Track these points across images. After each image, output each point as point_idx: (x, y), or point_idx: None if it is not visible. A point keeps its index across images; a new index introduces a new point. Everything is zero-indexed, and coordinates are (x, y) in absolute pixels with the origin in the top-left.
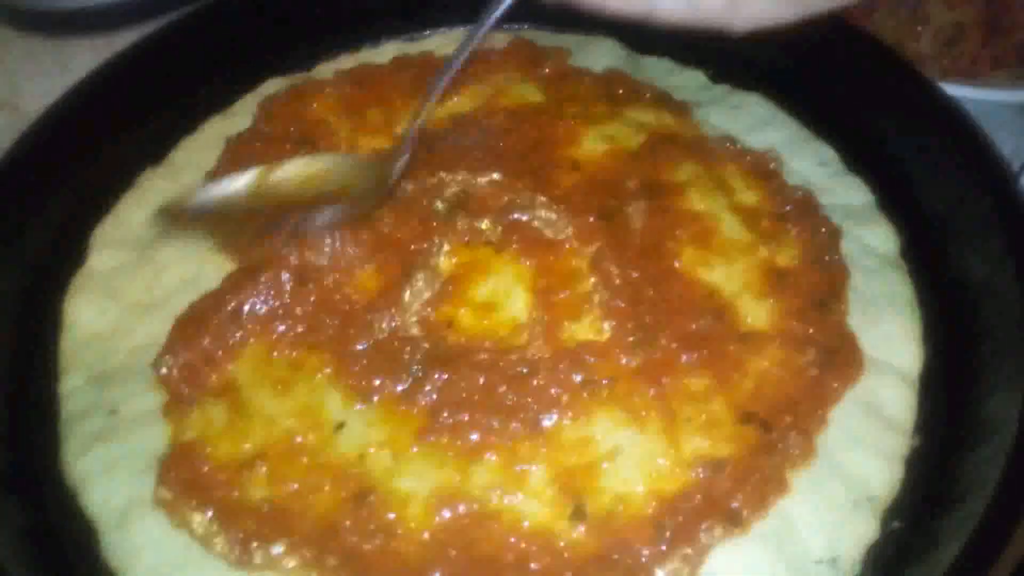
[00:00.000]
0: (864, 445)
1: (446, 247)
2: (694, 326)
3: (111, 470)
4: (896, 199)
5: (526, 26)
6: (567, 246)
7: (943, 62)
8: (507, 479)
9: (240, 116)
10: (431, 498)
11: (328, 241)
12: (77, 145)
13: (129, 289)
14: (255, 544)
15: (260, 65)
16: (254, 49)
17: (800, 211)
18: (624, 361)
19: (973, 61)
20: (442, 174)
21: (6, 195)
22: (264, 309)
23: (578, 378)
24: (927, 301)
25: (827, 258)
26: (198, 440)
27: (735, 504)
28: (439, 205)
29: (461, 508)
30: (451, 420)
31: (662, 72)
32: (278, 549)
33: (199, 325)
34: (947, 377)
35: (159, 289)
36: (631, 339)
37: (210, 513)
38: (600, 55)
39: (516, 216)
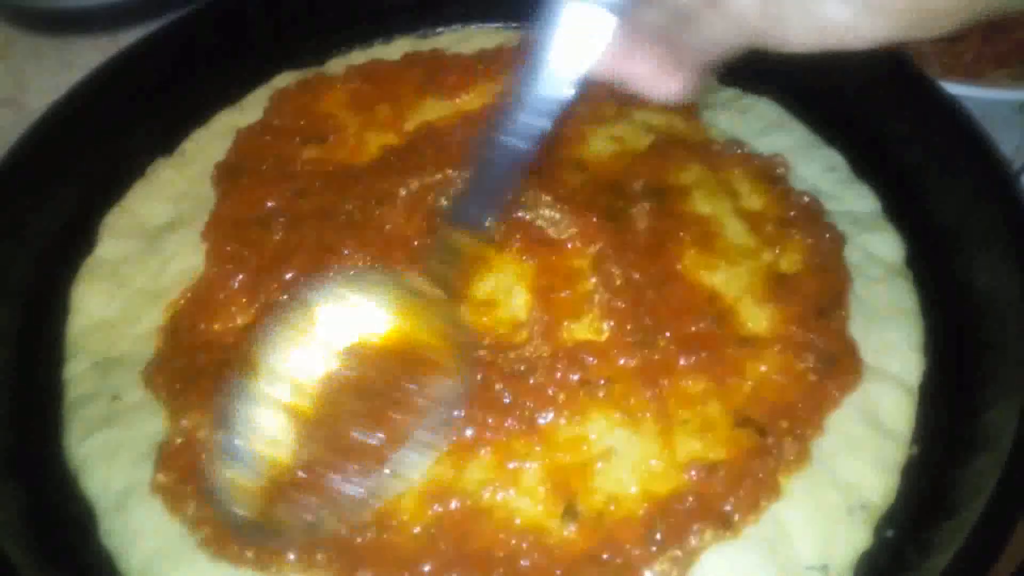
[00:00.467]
0: (860, 452)
1: None
2: (694, 329)
3: (112, 455)
4: (903, 206)
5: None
6: (569, 246)
7: (944, 60)
8: (500, 476)
9: (251, 109)
10: (424, 492)
11: None
12: (88, 136)
13: (136, 277)
14: None
15: (272, 59)
16: (267, 43)
17: (805, 217)
18: (622, 362)
19: (974, 60)
20: (448, 171)
21: (16, 184)
22: None
23: (575, 378)
24: (930, 309)
25: (830, 265)
26: (196, 427)
27: (727, 507)
28: (443, 202)
29: (453, 503)
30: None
31: None
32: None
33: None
34: (948, 387)
35: (165, 278)
36: (630, 340)
37: None
38: None
39: (519, 215)
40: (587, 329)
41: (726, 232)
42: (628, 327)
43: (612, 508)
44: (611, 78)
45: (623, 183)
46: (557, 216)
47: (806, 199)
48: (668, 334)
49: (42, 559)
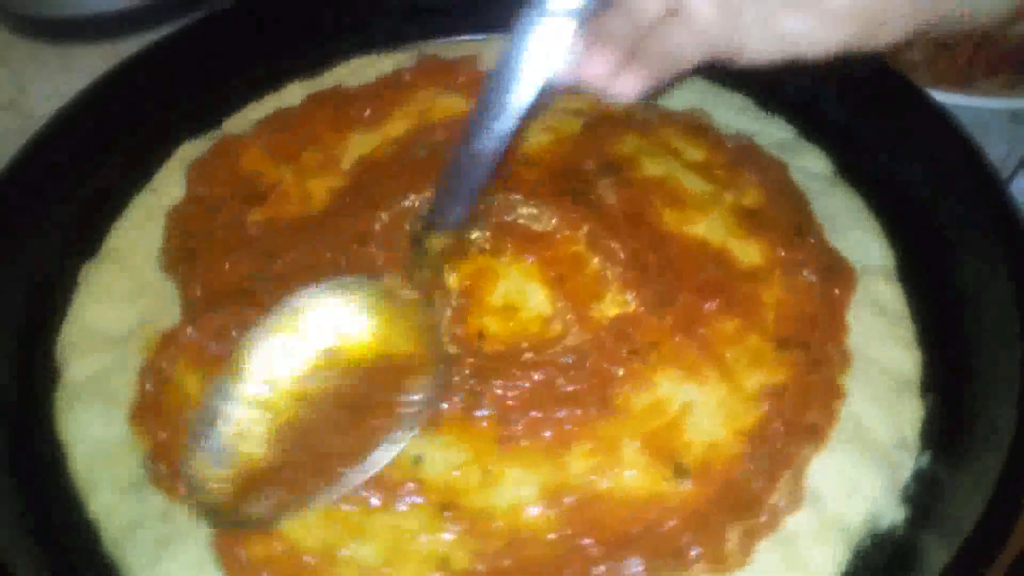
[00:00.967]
0: (884, 338)
1: (447, 265)
2: (703, 276)
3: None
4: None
5: (421, 43)
6: (558, 235)
7: (936, 68)
8: (601, 461)
9: (165, 187)
10: (540, 499)
11: None
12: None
13: (125, 390)
14: None
15: (167, 129)
16: (159, 113)
17: (745, 155)
18: (658, 324)
19: (966, 68)
20: (412, 195)
21: None
22: None
23: (625, 351)
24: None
25: (785, 190)
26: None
27: (810, 420)
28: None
29: (569, 500)
30: (523, 423)
31: None
32: None
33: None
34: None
35: None
36: (655, 303)
37: None
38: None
39: (504, 218)
40: (613, 305)
41: (686, 186)
42: (648, 292)
43: (715, 455)
44: (570, 80)
45: (575, 167)
46: (535, 211)
47: (737, 140)
48: (684, 287)
49: None
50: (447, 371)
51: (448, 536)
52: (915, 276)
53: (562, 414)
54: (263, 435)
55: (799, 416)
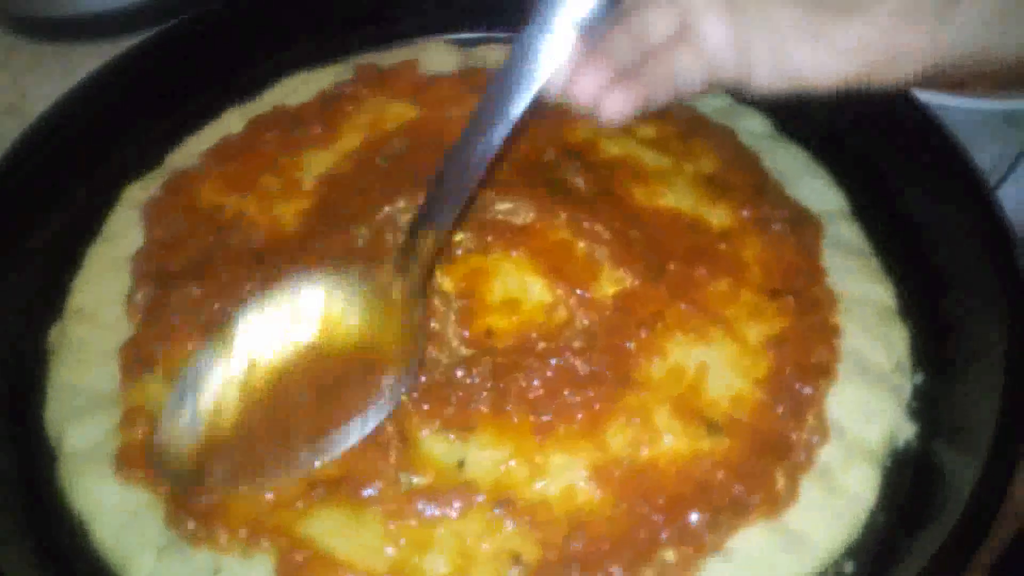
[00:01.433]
0: (857, 274)
1: (439, 270)
2: (684, 244)
3: None
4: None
5: (354, 55)
6: (539, 225)
7: None
8: (638, 432)
9: (122, 235)
10: (590, 479)
11: None
12: None
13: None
14: None
15: (109, 175)
16: (97, 161)
17: (694, 125)
18: (656, 294)
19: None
20: (386, 207)
21: None
22: None
23: (632, 324)
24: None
25: (737, 153)
26: None
27: (816, 360)
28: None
29: (618, 474)
30: (552, 411)
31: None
32: None
33: None
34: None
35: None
36: (648, 275)
37: None
38: (438, 55)
39: (481, 217)
40: (610, 283)
41: (646, 162)
42: (639, 266)
43: (740, 407)
44: (559, 93)
45: (537, 158)
46: (511, 206)
47: (682, 112)
48: (670, 257)
49: None
50: (418, 369)
51: (512, 532)
52: (869, 215)
53: (589, 394)
54: (235, 407)
55: (806, 358)
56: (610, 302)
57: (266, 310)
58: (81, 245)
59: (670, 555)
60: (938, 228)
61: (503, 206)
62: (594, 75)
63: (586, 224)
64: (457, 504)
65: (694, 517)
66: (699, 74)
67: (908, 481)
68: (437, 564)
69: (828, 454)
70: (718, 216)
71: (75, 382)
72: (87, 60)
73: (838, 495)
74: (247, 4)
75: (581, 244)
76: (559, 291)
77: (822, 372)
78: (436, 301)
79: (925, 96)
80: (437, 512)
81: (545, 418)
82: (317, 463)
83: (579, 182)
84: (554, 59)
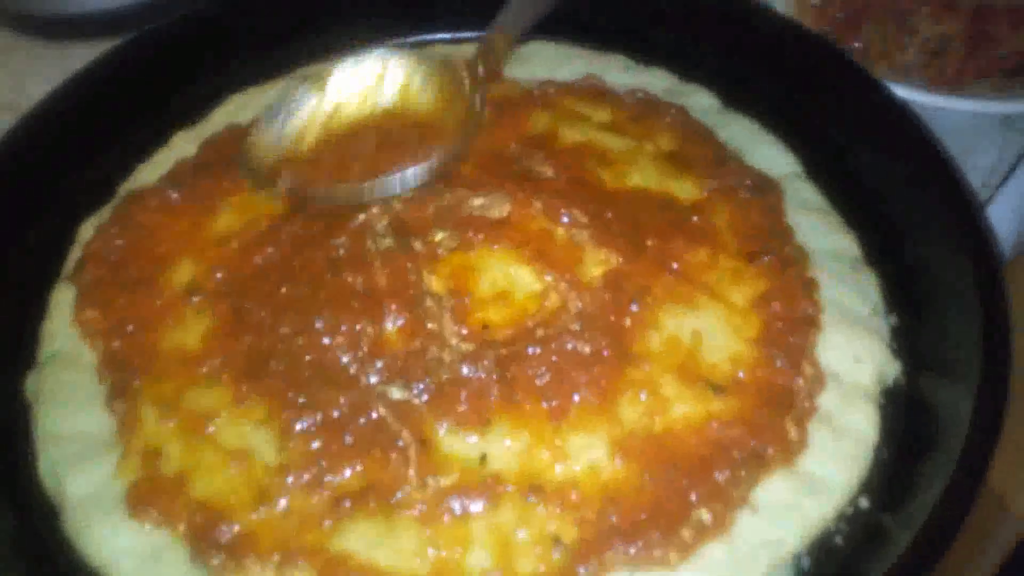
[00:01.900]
0: (820, 228)
1: (426, 272)
2: (658, 219)
3: None
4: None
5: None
6: (515, 217)
7: (928, 72)
8: (649, 403)
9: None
10: (612, 455)
11: None
12: None
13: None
14: None
15: (62, 213)
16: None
17: (647, 106)
18: (641, 269)
19: (957, 72)
20: (360, 216)
21: None
22: None
23: (623, 301)
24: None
25: (693, 128)
26: None
27: (805, 312)
28: (387, 242)
29: (638, 445)
30: (561, 394)
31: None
32: None
33: None
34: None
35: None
36: (631, 253)
37: None
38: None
39: (458, 215)
40: (595, 264)
41: (608, 145)
42: (621, 243)
43: (739, 366)
44: None
45: (502, 152)
46: (486, 200)
47: (634, 95)
48: (647, 233)
49: None
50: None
51: (546, 516)
52: (822, 175)
53: (594, 372)
54: (314, 137)
55: (792, 312)
56: (599, 282)
57: (360, 68)
58: (47, 289)
59: (704, 514)
60: (888, 181)
61: (477, 201)
62: None
63: (563, 210)
64: (487, 497)
65: (718, 475)
66: None
67: (903, 415)
68: (480, 559)
69: (827, 399)
70: (685, 190)
71: (64, 429)
72: (86, 58)
73: (844, 436)
74: (187, 22)
75: (560, 230)
76: (547, 278)
77: (809, 323)
78: (428, 303)
79: (924, 99)
80: (469, 508)
81: (556, 402)
82: (365, 198)
83: (547, 171)
84: None
